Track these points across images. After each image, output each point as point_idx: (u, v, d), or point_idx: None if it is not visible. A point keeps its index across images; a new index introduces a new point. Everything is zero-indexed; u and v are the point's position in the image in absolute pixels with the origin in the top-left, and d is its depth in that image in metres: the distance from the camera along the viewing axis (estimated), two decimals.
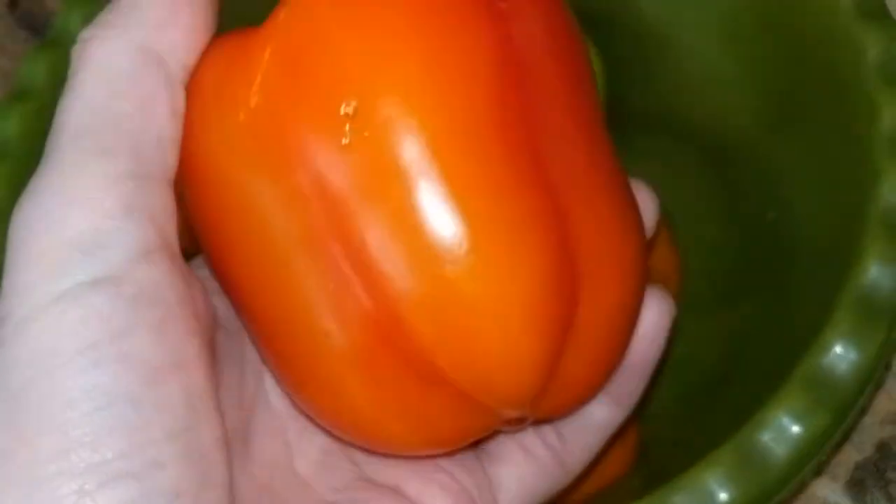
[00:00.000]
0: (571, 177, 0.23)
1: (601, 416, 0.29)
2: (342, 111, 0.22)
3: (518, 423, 0.25)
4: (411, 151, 0.21)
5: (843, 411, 0.27)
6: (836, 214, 0.32)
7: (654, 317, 0.28)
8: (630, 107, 0.44)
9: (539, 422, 0.27)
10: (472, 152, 0.22)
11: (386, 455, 0.26)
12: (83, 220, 0.21)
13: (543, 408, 0.25)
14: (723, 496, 0.26)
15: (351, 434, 0.25)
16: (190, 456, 0.21)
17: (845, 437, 0.37)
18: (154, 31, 0.23)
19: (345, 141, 0.22)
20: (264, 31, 0.23)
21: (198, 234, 0.25)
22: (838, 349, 0.27)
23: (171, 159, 0.23)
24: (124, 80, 0.22)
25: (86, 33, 0.23)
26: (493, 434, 0.26)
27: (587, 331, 0.24)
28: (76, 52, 0.23)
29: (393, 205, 0.22)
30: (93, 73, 0.22)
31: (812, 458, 0.26)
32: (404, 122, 0.21)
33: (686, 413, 0.40)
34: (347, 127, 0.22)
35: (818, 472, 0.37)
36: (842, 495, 0.37)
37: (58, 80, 0.37)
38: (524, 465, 0.27)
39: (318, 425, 0.26)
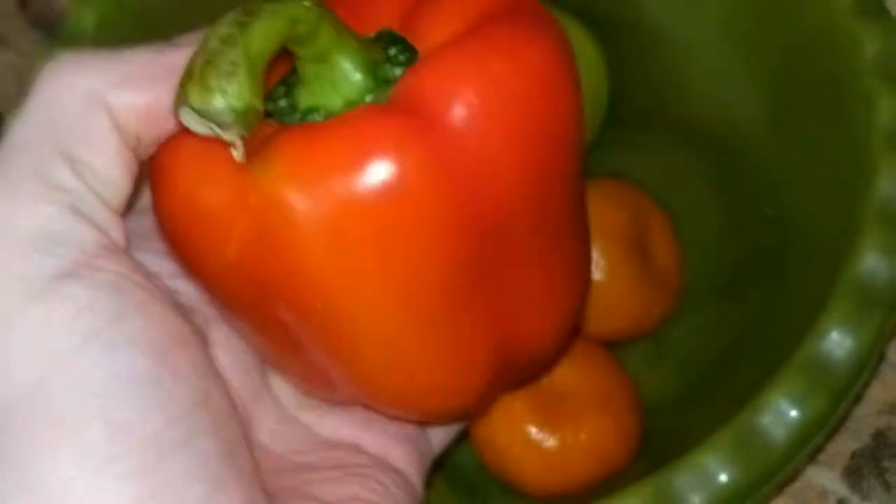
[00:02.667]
0: (517, 286, 0.26)
1: None
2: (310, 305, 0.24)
3: None
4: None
5: (839, 396, 0.27)
6: (834, 207, 0.33)
7: None
8: (631, 104, 0.44)
9: None
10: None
11: (339, 414, 0.29)
12: (38, 220, 0.22)
13: None
14: (723, 477, 0.27)
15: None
16: (217, 423, 0.22)
17: (840, 424, 0.37)
18: (117, 80, 0.23)
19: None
20: (238, 201, 0.23)
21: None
22: (835, 336, 0.28)
23: (115, 197, 0.24)
24: (75, 117, 0.23)
25: (63, 57, 0.24)
26: None
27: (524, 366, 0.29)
28: (46, 69, 0.24)
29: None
30: (48, 99, 0.23)
31: (809, 442, 0.27)
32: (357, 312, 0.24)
33: (687, 404, 0.40)
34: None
35: (812, 457, 0.37)
36: (839, 483, 0.38)
37: None
38: None
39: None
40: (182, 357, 0.22)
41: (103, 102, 0.23)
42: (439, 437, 0.31)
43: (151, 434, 0.21)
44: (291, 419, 0.28)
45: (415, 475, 0.29)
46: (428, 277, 0.24)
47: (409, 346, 0.25)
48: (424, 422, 0.30)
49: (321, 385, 0.27)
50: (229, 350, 0.27)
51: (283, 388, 0.29)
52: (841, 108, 0.33)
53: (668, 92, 0.44)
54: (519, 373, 0.29)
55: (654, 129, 0.44)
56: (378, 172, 0.22)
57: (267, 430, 0.28)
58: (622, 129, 0.44)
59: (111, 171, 0.23)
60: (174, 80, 0.22)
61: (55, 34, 0.53)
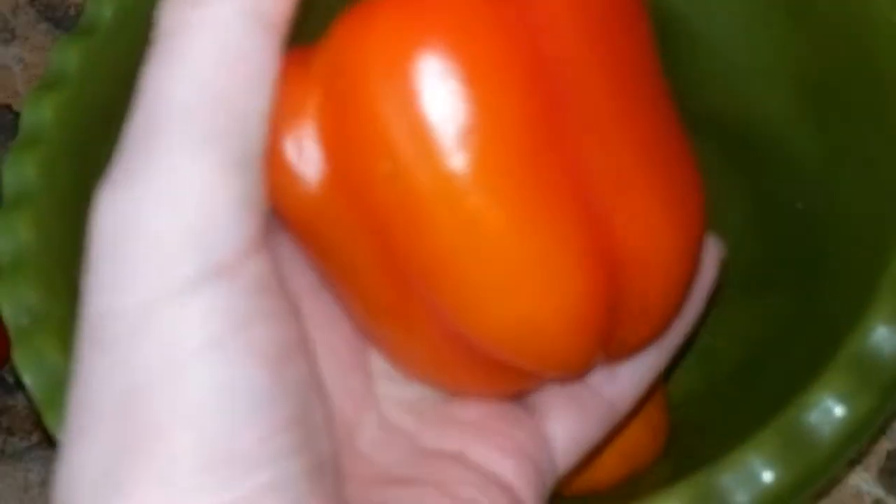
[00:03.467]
0: (618, 181, 0.24)
1: (649, 358, 0.28)
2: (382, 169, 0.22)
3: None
4: (452, 183, 0.22)
5: (887, 393, 0.27)
6: (872, 200, 0.32)
7: (705, 263, 0.29)
8: None
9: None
10: (508, 176, 0.22)
11: (445, 422, 0.27)
12: (199, 209, 0.20)
13: (602, 362, 0.26)
14: (767, 476, 0.26)
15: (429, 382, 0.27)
16: (309, 441, 0.21)
17: (887, 422, 0.37)
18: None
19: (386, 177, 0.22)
20: (309, 69, 0.22)
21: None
22: (883, 331, 0.27)
23: (258, 192, 0.22)
24: (234, 51, 0.20)
25: None
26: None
27: (638, 313, 0.24)
28: (172, 13, 0.20)
29: (439, 234, 0.22)
30: (199, 39, 0.20)
31: (857, 441, 0.26)
32: (440, 159, 0.22)
33: (715, 400, 0.40)
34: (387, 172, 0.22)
35: (856, 460, 0.37)
36: (874, 484, 0.37)
37: (90, 68, 0.37)
38: (575, 417, 0.27)
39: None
40: (291, 369, 0.21)
41: (264, 21, 0.20)
42: (566, 454, 0.27)
43: (243, 449, 0.20)
44: (393, 426, 0.27)
45: (529, 495, 0.26)
46: (506, 138, 0.22)
47: (496, 223, 0.22)
48: (538, 371, 0.25)
49: (422, 349, 0.25)
50: (326, 346, 0.26)
51: (386, 389, 0.27)
52: (878, 101, 0.33)
53: (693, 86, 0.43)
54: (631, 313, 0.25)
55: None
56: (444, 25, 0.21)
57: (369, 436, 0.26)
58: None
59: (265, 114, 0.21)
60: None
61: (65, 26, 0.53)
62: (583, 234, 0.23)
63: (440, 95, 0.21)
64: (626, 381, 0.28)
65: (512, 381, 0.25)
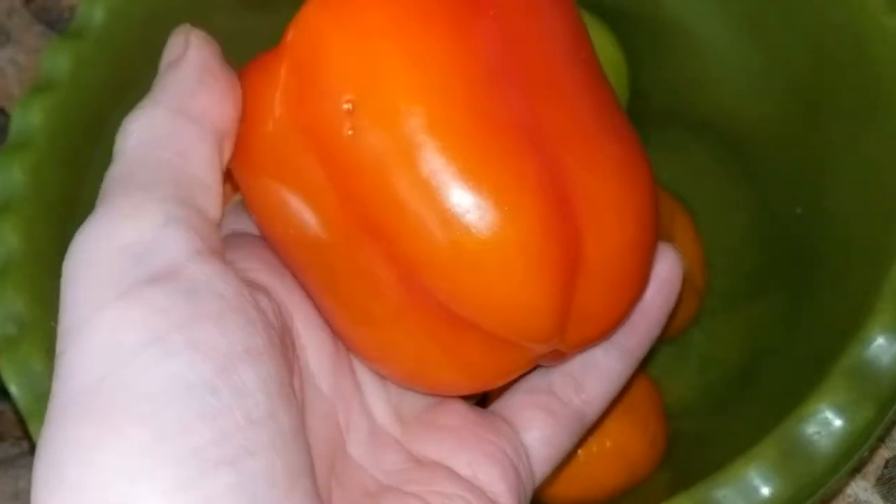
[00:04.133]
0: (568, 134, 0.25)
1: (614, 367, 0.29)
2: (343, 107, 0.24)
3: (554, 358, 0.27)
4: (406, 131, 0.24)
5: (886, 404, 0.26)
6: (871, 207, 0.32)
7: (664, 269, 0.29)
8: (651, 102, 0.44)
9: (570, 353, 0.28)
10: (460, 123, 0.24)
11: (430, 428, 0.28)
12: (132, 232, 0.23)
13: (570, 340, 0.26)
14: (765, 491, 0.26)
15: (407, 381, 0.27)
16: (275, 444, 0.21)
17: (887, 432, 0.36)
18: (186, 98, 0.25)
19: (349, 132, 0.24)
20: (279, 51, 0.25)
21: (258, 225, 0.27)
22: (881, 341, 0.27)
23: (212, 202, 0.25)
24: (162, 136, 0.25)
25: (128, 118, 0.25)
26: (534, 369, 0.28)
27: (596, 267, 0.25)
28: (120, 133, 0.25)
29: (396, 181, 0.24)
30: (134, 136, 0.25)
31: (856, 452, 0.26)
32: (396, 109, 0.24)
33: (712, 409, 0.40)
34: (349, 122, 0.24)
35: (857, 469, 0.36)
36: (872, 493, 0.37)
37: (80, 72, 0.37)
38: (548, 426, 0.28)
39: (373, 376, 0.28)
40: (251, 371, 0.22)
41: (186, 115, 0.25)
42: (542, 463, 0.29)
43: (197, 447, 0.20)
44: (383, 432, 0.27)
45: (510, 501, 0.27)
46: (462, 71, 0.24)
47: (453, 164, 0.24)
48: (505, 337, 0.25)
49: (394, 335, 0.26)
50: (319, 350, 0.27)
51: (374, 396, 0.28)
52: (875, 106, 0.33)
53: (689, 89, 0.43)
54: (588, 275, 0.25)
55: (675, 127, 0.44)
56: None
57: (360, 441, 0.27)
58: (642, 127, 0.43)
59: (205, 176, 0.25)
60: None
61: (59, 29, 0.53)
62: (537, 180, 0.24)
63: (396, 61, 0.23)
64: (594, 390, 0.29)
65: (482, 362, 0.26)
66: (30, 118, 0.35)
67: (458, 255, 0.24)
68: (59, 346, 0.22)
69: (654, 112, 0.44)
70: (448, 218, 0.23)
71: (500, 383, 0.28)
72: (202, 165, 0.25)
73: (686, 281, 0.40)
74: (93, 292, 0.22)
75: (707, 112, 0.43)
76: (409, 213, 0.24)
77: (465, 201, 0.23)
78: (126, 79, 0.33)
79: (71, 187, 0.34)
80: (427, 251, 0.24)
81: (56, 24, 0.53)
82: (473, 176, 0.23)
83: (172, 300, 0.22)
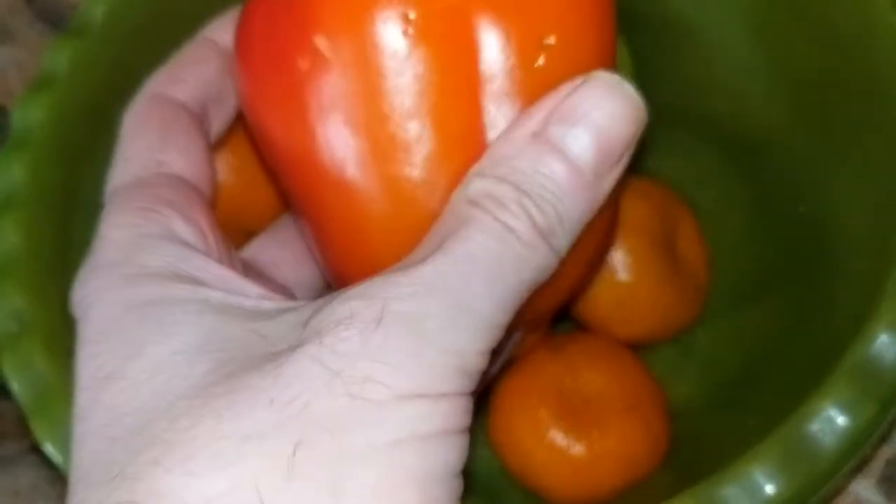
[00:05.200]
0: None
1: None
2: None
3: None
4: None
5: (890, 402, 0.26)
6: (876, 206, 0.32)
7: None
8: (656, 101, 0.43)
9: None
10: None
11: None
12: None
13: None
14: (769, 489, 0.26)
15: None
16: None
17: (889, 430, 0.36)
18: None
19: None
20: None
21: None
22: (885, 339, 0.27)
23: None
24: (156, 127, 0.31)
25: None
26: None
27: None
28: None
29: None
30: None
31: (859, 450, 0.26)
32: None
33: (714, 408, 0.39)
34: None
35: (859, 468, 0.36)
36: (874, 492, 0.37)
37: (81, 69, 0.37)
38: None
39: None
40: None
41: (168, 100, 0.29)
42: None
43: None
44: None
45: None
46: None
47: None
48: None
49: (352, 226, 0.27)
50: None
51: None
52: (880, 103, 0.32)
53: (693, 89, 0.43)
54: None
55: (679, 127, 0.43)
56: None
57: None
58: (647, 127, 0.43)
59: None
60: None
61: (61, 28, 0.53)
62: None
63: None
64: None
65: None
66: (30, 116, 0.35)
67: None
68: None
69: (659, 111, 0.43)
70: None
71: None
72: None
73: (690, 280, 0.40)
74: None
75: (712, 112, 0.43)
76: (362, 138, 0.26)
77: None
78: (126, 77, 0.33)
79: (71, 185, 0.34)
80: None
81: (58, 22, 0.53)
82: None
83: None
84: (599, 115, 0.25)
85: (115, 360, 0.23)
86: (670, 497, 0.27)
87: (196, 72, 0.31)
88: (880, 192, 0.32)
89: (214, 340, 0.23)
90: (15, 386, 0.30)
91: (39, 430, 0.29)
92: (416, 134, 0.25)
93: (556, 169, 0.24)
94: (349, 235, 0.27)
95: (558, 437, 0.36)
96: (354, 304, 0.22)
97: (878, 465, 0.37)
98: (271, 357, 0.22)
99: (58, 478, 0.40)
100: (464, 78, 0.25)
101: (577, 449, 0.36)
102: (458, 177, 0.25)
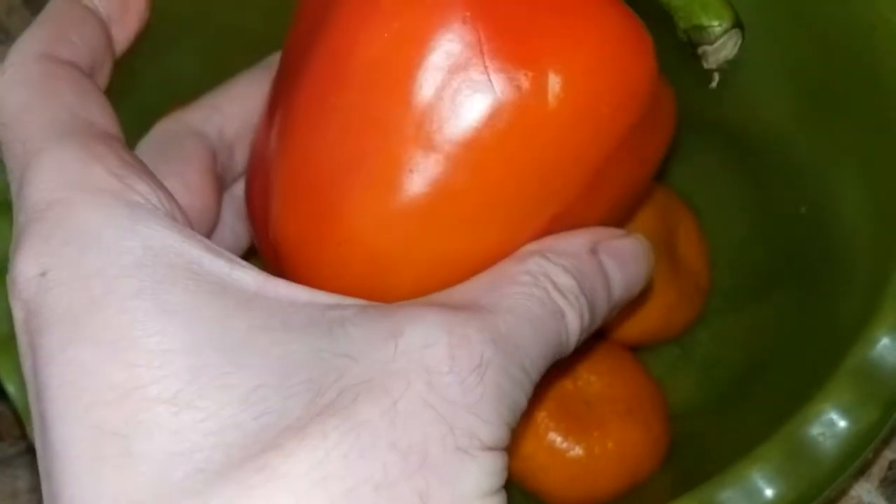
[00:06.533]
0: None
1: None
2: None
3: None
4: None
5: (892, 405, 0.26)
6: (877, 207, 0.32)
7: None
8: None
9: None
10: None
11: None
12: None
13: None
14: (769, 492, 0.25)
15: None
16: None
17: (891, 433, 0.36)
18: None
19: None
20: None
21: None
22: (887, 341, 0.27)
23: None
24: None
25: None
26: None
27: None
28: None
29: None
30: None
31: (861, 454, 0.26)
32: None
33: (714, 410, 0.39)
34: None
35: (861, 471, 0.36)
36: (876, 495, 0.36)
37: None
38: None
39: None
40: None
41: None
42: None
43: None
44: None
45: None
46: None
47: None
48: None
49: None
50: None
51: None
52: (883, 104, 0.32)
53: (694, 88, 0.43)
54: None
55: (680, 127, 0.43)
56: None
57: None
58: None
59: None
60: None
61: None
62: None
63: None
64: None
65: None
66: None
67: None
68: None
69: None
70: None
71: None
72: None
73: (691, 281, 0.40)
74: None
75: (713, 112, 0.42)
76: None
77: None
78: (122, 75, 0.32)
79: None
80: None
81: None
82: None
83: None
84: (634, 270, 0.29)
85: None
86: (670, 500, 0.27)
87: (82, 33, 0.28)
88: (883, 194, 0.32)
89: (296, 369, 0.22)
90: (11, 387, 0.29)
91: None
92: None
93: (599, 288, 0.27)
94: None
95: (558, 440, 0.36)
96: (450, 341, 0.22)
97: (880, 468, 0.37)
98: (366, 385, 0.21)
99: None
100: None
101: (577, 451, 0.36)
102: None
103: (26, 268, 0.22)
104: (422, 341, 0.22)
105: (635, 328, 0.39)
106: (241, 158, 0.33)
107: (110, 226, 0.22)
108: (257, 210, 0.28)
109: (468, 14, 0.24)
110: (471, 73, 0.24)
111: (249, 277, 0.23)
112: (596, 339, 0.39)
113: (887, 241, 0.29)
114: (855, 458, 0.26)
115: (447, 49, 0.24)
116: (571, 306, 0.25)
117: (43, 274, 0.22)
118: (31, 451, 0.43)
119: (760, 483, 0.25)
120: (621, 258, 0.28)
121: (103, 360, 0.21)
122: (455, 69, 0.24)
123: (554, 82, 0.25)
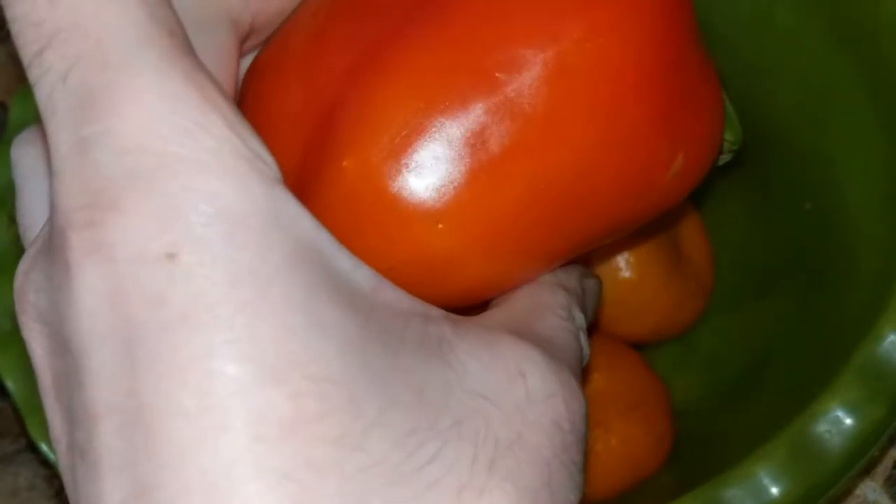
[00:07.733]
0: None
1: None
2: None
3: None
4: None
5: None
6: (882, 202, 0.32)
7: None
8: None
9: None
10: None
11: None
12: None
13: None
14: (775, 490, 0.25)
15: None
16: None
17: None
18: None
19: None
20: None
21: None
22: (894, 338, 0.26)
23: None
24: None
25: None
26: None
27: None
28: None
29: None
30: None
31: (867, 451, 0.26)
32: None
33: (717, 407, 0.39)
34: None
35: (866, 469, 0.36)
36: (881, 493, 0.36)
37: None
38: None
39: None
40: None
41: None
42: None
43: None
44: None
45: None
46: None
47: None
48: None
49: None
50: None
51: None
52: (887, 98, 0.32)
53: None
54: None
55: None
56: None
57: None
58: None
59: None
60: None
61: None
62: None
63: None
64: None
65: None
66: (28, 111, 0.34)
67: None
68: None
69: None
70: None
71: None
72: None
73: (694, 278, 0.40)
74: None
75: None
76: None
77: None
78: None
79: None
80: None
81: None
82: None
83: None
84: (593, 305, 0.28)
85: None
86: (674, 497, 0.27)
87: None
88: (886, 188, 0.31)
89: (438, 408, 0.19)
90: (10, 384, 0.29)
91: (34, 430, 0.29)
92: None
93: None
94: None
95: None
96: (563, 393, 0.21)
97: (885, 466, 0.37)
98: (519, 445, 0.20)
99: (55, 476, 0.40)
100: None
101: None
102: None
103: (143, 238, 0.17)
104: (544, 388, 0.21)
105: (639, 326, 0.39)
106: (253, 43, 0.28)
107: (253, 210, 0.17)
108: (295, 123, 0.24)
109: None
110: None
111: (364, 279, 0.19)
112: (599, 336, 0.39)
113: (893, 237, 0.29)
114: (861, 456, 0.26)
115: None
116: (584, 341, 0.25)
117: (171, 256, 0.17)
118: (31, 448, 0.43)
119: (766, 481, 0.25)
120: (591, 296, 0.28)
121: (258, 382, 0.17)
122: None
123: None
